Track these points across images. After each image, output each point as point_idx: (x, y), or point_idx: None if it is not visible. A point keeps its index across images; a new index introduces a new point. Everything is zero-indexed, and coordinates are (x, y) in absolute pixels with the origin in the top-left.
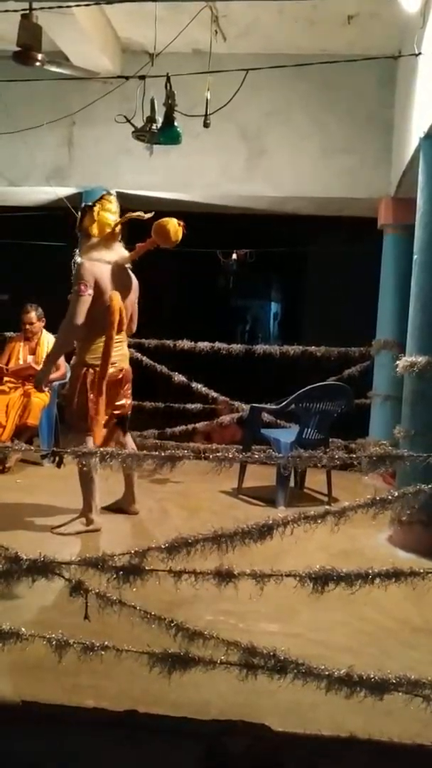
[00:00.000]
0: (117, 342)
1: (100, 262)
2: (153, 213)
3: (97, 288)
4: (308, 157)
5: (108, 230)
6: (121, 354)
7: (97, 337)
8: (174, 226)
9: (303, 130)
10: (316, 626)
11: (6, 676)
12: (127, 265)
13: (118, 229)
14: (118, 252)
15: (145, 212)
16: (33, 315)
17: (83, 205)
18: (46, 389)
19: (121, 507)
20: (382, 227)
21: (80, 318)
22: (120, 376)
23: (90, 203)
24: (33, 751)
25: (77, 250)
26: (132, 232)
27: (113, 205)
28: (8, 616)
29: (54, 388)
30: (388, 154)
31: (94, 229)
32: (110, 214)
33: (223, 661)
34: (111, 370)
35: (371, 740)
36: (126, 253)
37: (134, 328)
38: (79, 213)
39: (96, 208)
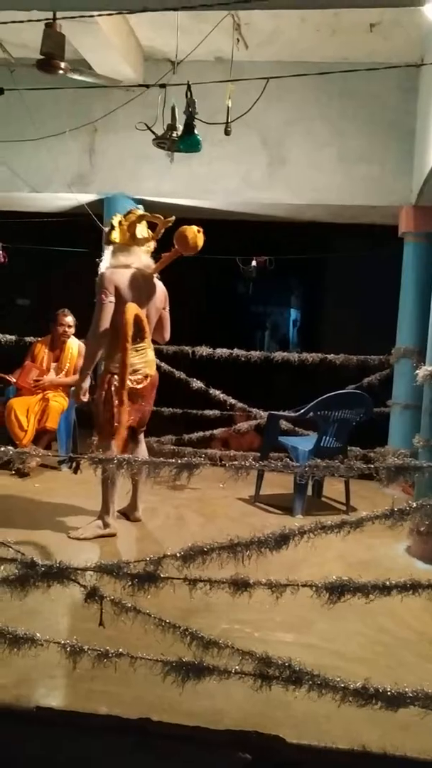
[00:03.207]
0: (140, 349)
1: (120, 268)
2: (174, 218)
3: (118, 295)
4: (328, 164)
5: (128, 235)
6: (144, 361)
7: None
8: (192, 233)
9: (323, 138)
10: (331, 637)
11: (21, 681)
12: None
13: (140, 234)
14: (141, 259)
15: (165, 218)
16: (70, 318)
17: (110, 220)
18: (84, 398)
19: (126, 513)
20: (403, 235)
21: (104, 325)
22: (145, 383)
23: (112, 219)
24: (46, 756)
25: (102, 261)
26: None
27: (137, 217)
28: (24, 621)
29: (72, 393)
30: (409, 162)
31: (115, 236)
32: (133, 224)
33: (237, 670)
34: (132, 377)
35: (386, 755)
36: (152, 262)
37: (167, 336)
38: (108, 228)
39: (119, 219)
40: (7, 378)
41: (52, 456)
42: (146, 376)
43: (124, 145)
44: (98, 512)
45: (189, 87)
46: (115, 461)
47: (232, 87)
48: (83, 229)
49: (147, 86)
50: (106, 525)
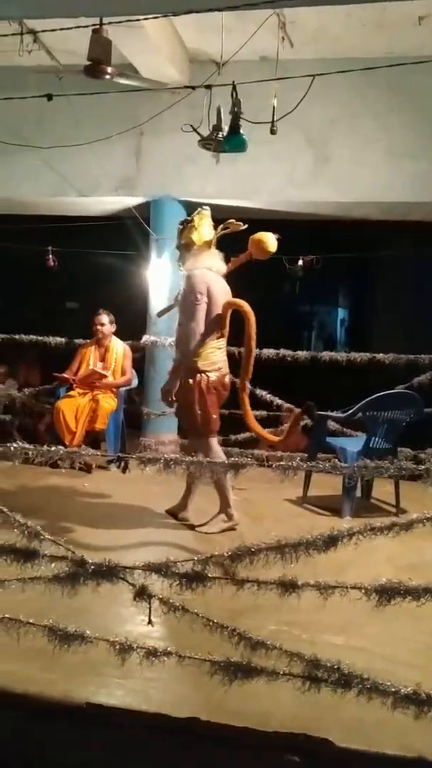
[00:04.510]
0: (220, 348)
1: (206, 270)
2: (247, 225)
3: (209, 296)
4: (375, 161)
5: (208, 239)
6: (225, 360)
7: (207, 344)
8: (270, 239)
9: (370, 134)
10: (381, 640)
11: (70, 677)
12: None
13: (209, 235)
14: (217, 262)
15: (239, 220)
16: (104, 318)
17: (182, 220)
18: (173, 401)
19: (174, 512)
20: None
21: (201, 326)
22: (227, 380)
23: (188, 218)
24: (94, 752)
25: (180, 264)
26: (227, 244)
27: (209, 219)
28: (73, 618)
29: (121, 394)
30: None
31: (196, 238)
32: (207, 227)
33: (285, 672)
34: (217, 375)
35: None
36: (223, 265)
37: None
38: (179, 228)
39: (195, 219)
40: (65, 376)
41: (101, 456)
42: (226, 374)
43: (170, 148)
44: (220, 507)
45: (234, 87)
46: (162, 461)
47: (278, 86)
48: (130, 232)
49: (192, 88)
50: (229, 517)
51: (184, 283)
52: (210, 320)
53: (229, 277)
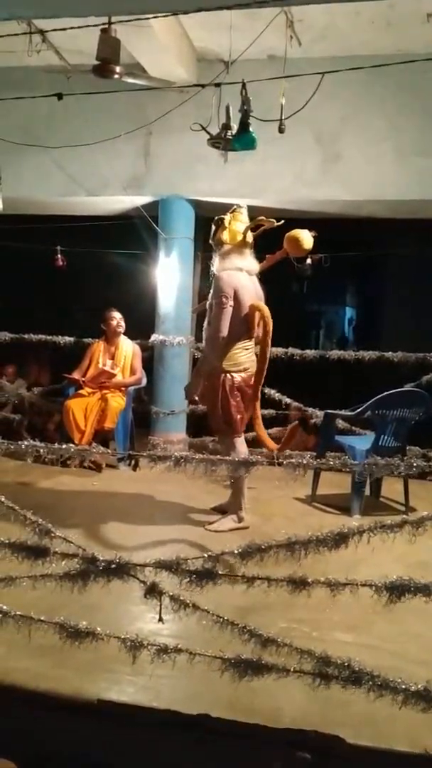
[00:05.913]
0: (249, 347)
1: (235, 271)
2: (283, 221)
3: (236, 298)
4: (385, 159)
5: (239, 238)
6: (252, 360)
7: (234, 344)
8: (306, 237)
9: (379, 132)
10: (391, 638)
11: (82, 674)
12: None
13: (249, 237)
14: (250, 261)
15: (276, 220)
16: (118, 314)
17: (216, 218)
18: (197, 399)
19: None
20: None
21: (225, 329)
22: (253, 380)
23: (222, 216)
24: (105, 748)
25: (212, 262)
26: (262, 242)
27: (244, 216)
28: (85, 616)
29: (130, 393)
30: None
31: (226, 237)
32: (241, 224)
33: (295, 669)
34: (242, 375)
35: None
36: (257, 264)
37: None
38: (213, 226)
39: (227, 218)
40: (74, 377)
41: (111, 454)
42: (252, 375)
43: (179, 147)
44: (232, 508)
45: (244, 85)
46: (173, 459)
47: (286, 84)
48: (139, 232)
49: (202, 86)
50: (240, 519)
51: (213, 285)
52: (237, 322)
53: (261, 276)
